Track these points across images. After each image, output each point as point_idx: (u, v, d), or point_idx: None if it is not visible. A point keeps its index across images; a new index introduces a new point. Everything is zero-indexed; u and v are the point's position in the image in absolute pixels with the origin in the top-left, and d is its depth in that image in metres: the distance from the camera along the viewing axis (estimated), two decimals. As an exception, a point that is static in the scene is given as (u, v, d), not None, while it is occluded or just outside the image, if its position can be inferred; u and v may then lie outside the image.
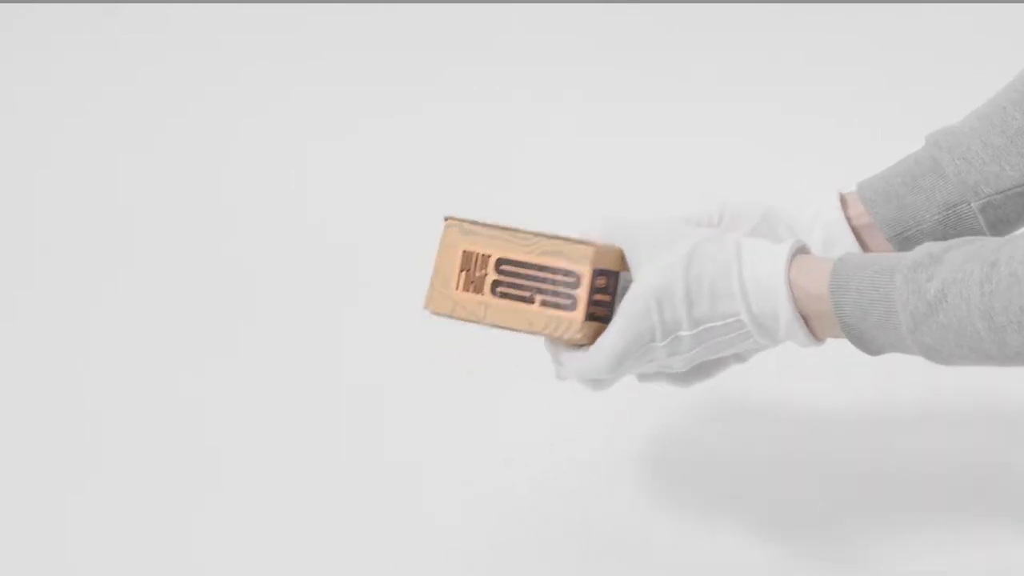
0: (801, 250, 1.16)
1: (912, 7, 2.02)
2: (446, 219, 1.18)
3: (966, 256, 1.08)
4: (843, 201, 1.26)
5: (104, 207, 1.74)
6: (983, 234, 1.24)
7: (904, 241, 1.24)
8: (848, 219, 1.25)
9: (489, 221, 1.19)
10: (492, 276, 1.17)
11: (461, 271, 1.18)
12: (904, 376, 1.37)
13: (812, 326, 1.14)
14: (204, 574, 1.29)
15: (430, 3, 2.00)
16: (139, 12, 2.00)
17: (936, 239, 1.23)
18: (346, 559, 1.29)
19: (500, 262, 1.18)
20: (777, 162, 1.75)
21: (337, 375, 1.49)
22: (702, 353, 1.16)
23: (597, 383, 1.19)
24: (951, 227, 1.23)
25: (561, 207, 1.69)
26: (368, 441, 1.42)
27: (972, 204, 1.22)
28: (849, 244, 1.24)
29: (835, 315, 1.12)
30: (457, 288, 1.18)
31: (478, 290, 1.18)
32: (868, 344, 1.13)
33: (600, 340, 1.16)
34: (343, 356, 1.52)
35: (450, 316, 1.18)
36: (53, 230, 1.71)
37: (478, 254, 1.18)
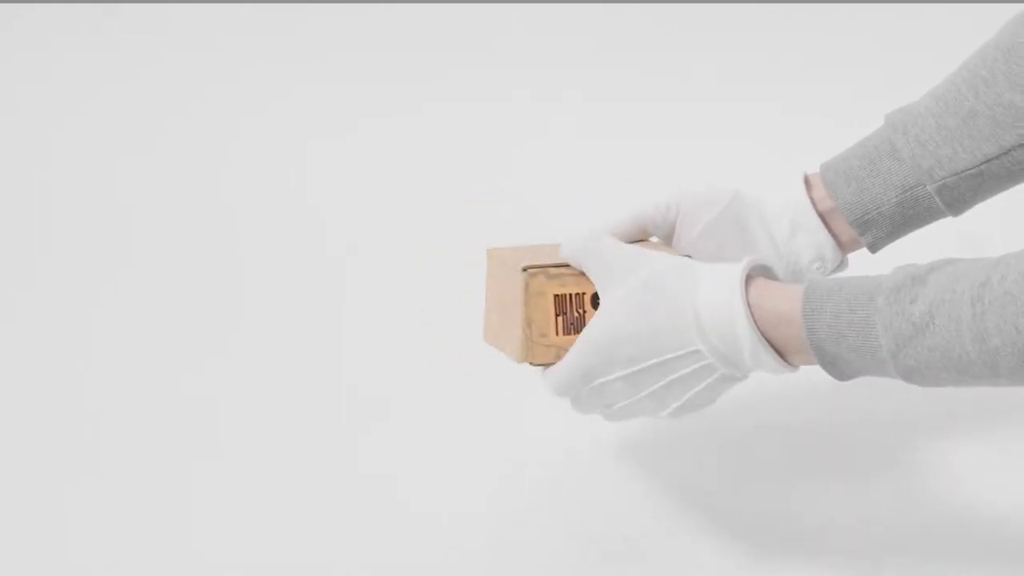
0: (760, 271, 1.14)
1: (912, 7, 2.02)
2: (526, 269, 1.17)
3: (953, 276, 1.06)
4: (808, 183, 1.26)
5: (104, 207, 1.74)
6: (942, 213, 1.24)
7: (865, 224, 1.24)
8: (813, 202, 1.25)
9: (558, 260, 1.19)
10: (591, 312, 1.18)
11: (557, 316, 1.18)
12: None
13: (781, 351, 1.12)
14: (203, 574, 1.29)
15: (430, 3, 2.00)
16: (139, 12, 2.00)
17: (895, 221, 1.24)
18: (345, 559, 1.29)
19: (595, 297, 1.18)
20: (777, 162, 1.74)
21: (337, 375, 1.49)
22: (668, 395, 1.15)
23: (575, 404, 1.20)
24: (909, 208, 1.24)
25: (561, 207, 1.69)
26: (368, 442, 1.42)
27: (928, 187, 1.22)
28: (815, 228, 1.24)
29: (806, 339, 1.10)
30: (558, 334, 1.18)
31: (578, 329, 1.18)
32: (841, 369, 1.11)
33: (555, 365, 1.18)
34: (343, 356, 1.52)
35: (555, 362, 1.19)
36: (53, 230, 1.71)
37: (571, 295, 1.18)
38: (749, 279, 1.13)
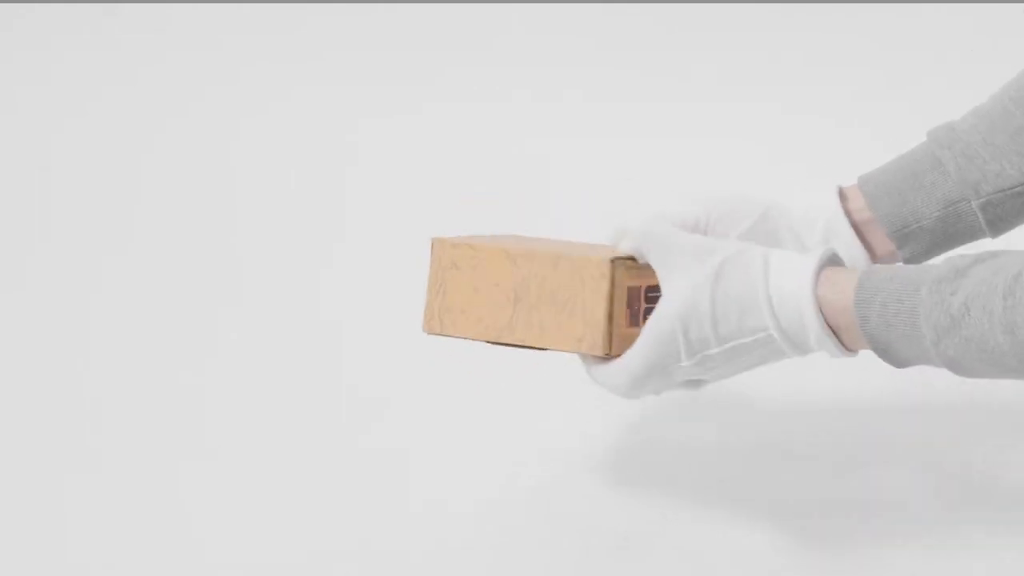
0: (831, 261, 1.15)
1: (912, 7, 2.02)
2: (613, 261, 1.18)
3: (993, 269, 1.08)
4: (842, 195, 1.25)
5: (104, 207, 1.74)
6: (982, 232, 1.24)
7: (904, 237, 1.24)
8: (848, 213, 1.25)
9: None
10: (645, 305, 1.20)
11: (627, 308, 1.20)
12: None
13: (842, 338, 1.14)
14: (201, 572, 1.29)
15: (430, 3, 2.00)
16: (139, 12, 2.00)
17: (936, 236, 1.24)
18: (345, 558, 1.29)
19: (648, 290, 1.20)
20: (777, 162, 1.74)
21: (336, 375, 1.49)
22: (732, 369, 1.17)
23: (630, 391, 1.20)
24: (951, 224, 1.23)
25: (562, 208, 1.69)
26: (367, 442, 1.42)
27: (972, 203, 1.22)
28: (849, 240, 1.24)
29: (860, 328, 1.12)
30: (626, 326, 1.20)
31: (636, 323, 1.20)
32: (894, 356, 1.13)
33: (622, 360, 1.17)
34: (342, 355, 1.52)
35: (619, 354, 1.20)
36: (53, 230, 1.71)
37: (637, 287, 1.20)
38: (817, 273, 1.14)
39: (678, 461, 1.37)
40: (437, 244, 1.23)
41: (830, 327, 1.14)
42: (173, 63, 1.95)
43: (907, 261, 1.25)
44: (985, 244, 1.24)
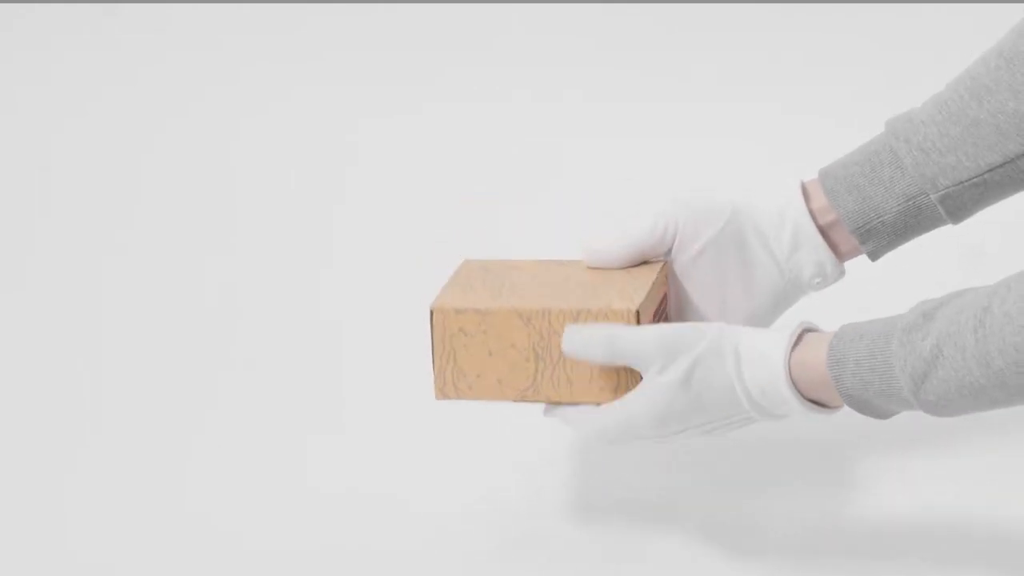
0: (799, 337, 1.16)
1: (912, 7, 2.02)
2: (638, 311, 1.18)
3: (958, 308, 1.08)
4: (805, 193, 1.26)
5: (103, 207, 1.74)
6: (944, 222, 1.24)
7: (866, 233, 1.24)
8: (812, 214, 1.25)
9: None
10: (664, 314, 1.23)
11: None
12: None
13: (826, 402, 1.16)
14: (200, 571, 1.29)
15: (430, 3, 2.00)
16: (139, 12, 2.00)
17: (897, 229, 1.24)
18: (343, 558, 1.29)
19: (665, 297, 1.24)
20: (777, 162, 1.74)
21: (336, 374, 1.50)
22: (716, 436, 1.20)
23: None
24: (912, 217, 1.24)
25: (562, 207, 1.69)
26: (366, 442, 1.42)
27: (931, 196, 1.22)
28: (816, 244, 1.24)
29: (836, 390, 1.14)
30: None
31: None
32: (875, 411, 1.15)
33: (601, 421, 1.19)
34: (342, 356, 1.52)
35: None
36: (53, 230, 1.71)
37: (660, 309, 1.23)
38: (787, 358, 1.15)
39: (678, 463, 1.37)
40: (438, 314, 1.18)
41: (811, 400, 1.15)
42: (173, 63, 1.95)
43: (870, 255, 1.26)
44: (947, 231, 1.26)
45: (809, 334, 1.17)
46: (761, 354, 1.15)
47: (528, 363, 1.18)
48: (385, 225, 1.68)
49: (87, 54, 1.99)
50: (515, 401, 1.21)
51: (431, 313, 1.19)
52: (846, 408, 1.16)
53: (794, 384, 1.14)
